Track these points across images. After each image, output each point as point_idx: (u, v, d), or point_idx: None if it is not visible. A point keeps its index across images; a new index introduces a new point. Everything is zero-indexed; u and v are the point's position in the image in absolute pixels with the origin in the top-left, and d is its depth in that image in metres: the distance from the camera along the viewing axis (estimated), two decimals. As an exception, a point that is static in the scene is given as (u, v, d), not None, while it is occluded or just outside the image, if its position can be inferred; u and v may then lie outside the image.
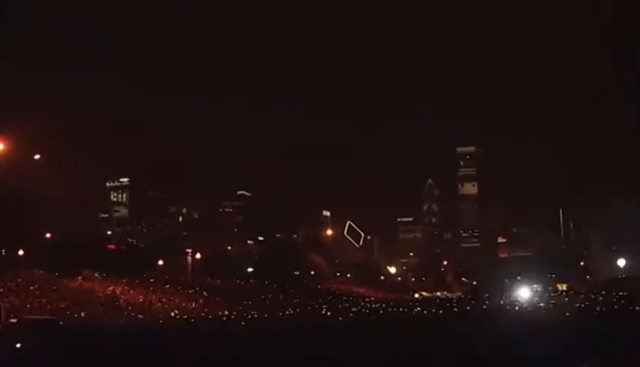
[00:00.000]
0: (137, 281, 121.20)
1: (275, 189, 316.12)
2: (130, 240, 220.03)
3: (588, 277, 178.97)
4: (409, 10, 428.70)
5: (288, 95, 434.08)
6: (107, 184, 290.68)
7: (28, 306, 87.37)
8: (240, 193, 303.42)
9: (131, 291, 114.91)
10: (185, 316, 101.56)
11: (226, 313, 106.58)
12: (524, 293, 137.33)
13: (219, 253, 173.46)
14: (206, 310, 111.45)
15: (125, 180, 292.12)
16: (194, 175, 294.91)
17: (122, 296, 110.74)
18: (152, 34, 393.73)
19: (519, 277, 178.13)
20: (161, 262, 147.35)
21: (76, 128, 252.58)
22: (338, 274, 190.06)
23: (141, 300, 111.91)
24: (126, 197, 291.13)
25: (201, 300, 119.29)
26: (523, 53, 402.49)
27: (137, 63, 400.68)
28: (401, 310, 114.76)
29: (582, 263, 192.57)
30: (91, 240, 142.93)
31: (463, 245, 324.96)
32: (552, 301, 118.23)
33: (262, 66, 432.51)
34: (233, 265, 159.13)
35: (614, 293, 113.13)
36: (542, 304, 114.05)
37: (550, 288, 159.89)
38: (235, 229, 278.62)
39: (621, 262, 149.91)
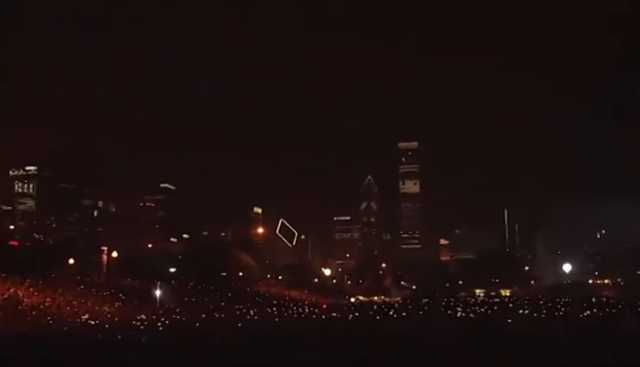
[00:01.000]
0: (42, 282, 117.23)
1: (203, 183, 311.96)
2: (37, 236, 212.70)
3: (532, 282, 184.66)
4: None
5: (218, 84, 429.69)
6: (10, 173, 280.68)
7: None
8: (162, 186, 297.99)
9: (36, 293, 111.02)
10: (98, 321, 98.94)
11: (144, 317, 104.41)
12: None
13: (138, 251, 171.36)
14: (122, 314, 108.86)
15: (32, 168, 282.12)
16: (113, 166, 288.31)
17: (26, 299, 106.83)
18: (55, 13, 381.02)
19: (461, 282, 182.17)
20: (72, 261, 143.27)
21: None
22: (269, 275, 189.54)
23: (48, 303, 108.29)
24: (33, 188, 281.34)
25: (117, 304, 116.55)
26: (471, 46, 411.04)
27: (51, 45, 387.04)
28: (335, 315, 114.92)
29: (526, 267, 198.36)
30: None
31: (403, 246, 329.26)
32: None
33: (191, 53, 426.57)
34: (153, 265, 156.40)
35: (558, 300, 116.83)
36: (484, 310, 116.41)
37: (493, 294, 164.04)
38: (157, 226, 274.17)
39: (567, 267, 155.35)
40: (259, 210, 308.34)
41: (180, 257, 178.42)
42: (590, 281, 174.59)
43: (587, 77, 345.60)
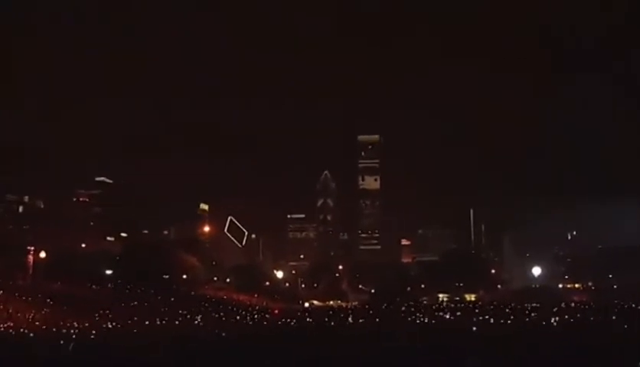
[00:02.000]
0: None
1: (143, 176, 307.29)
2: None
3: (499, 286, 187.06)
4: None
5: (167, 73, 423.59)
6: None
7: None
8: (98, 179, 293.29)
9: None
10: (21, 330, 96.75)
11: (75, 324, 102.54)
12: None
13: (69, 252, 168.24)
14: (50, 321, 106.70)
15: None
16: (42, 157, 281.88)
17: None
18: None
19: (423, 286, 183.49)
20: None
21: None
22: (216, 278, 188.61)
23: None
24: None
25: (45, 309, 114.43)
26: (439, 34, 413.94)
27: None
28: (287, 321, 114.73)
29: (493, 271, 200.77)
30: None
31: (362, 247, 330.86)
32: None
33: (136, 42, 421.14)
34: (87, 267, 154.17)
35: (526, 305, 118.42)
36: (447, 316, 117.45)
37: (458, 298, 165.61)
38: (91, 223, 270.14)
39: (536, 271, 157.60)
40: (205, 207, 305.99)
41: (117, 257, 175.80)
42: (560, 285, 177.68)
43: (558, 72, 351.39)
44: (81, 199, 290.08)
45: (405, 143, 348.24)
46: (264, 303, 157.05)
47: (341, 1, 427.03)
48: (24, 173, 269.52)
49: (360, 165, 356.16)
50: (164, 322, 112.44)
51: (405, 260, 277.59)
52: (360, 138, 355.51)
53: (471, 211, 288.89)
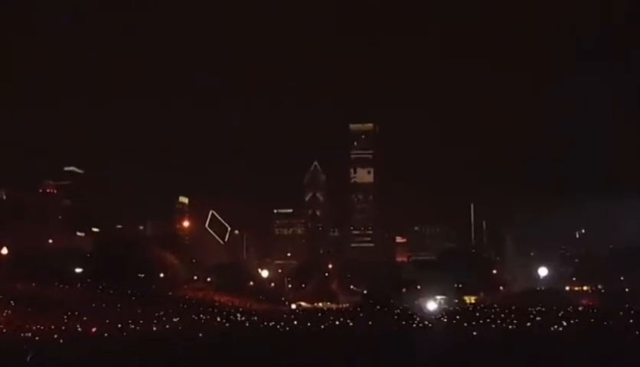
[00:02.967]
0: None
1: (117, 166, 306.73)
2: None
3: (501, 288, 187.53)
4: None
5: (146, 63, 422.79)
6: None
7: None
8: (67, 169, 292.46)
9: None
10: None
11: (42, 327, 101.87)
12: (430, 306, 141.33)
13: (35, 248, 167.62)
14: (11, 324, 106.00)
15: None
16: (4, 144, 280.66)
17: None
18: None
19: (419, 287, 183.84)
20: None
21: None
22: (196, 277, 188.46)
23: None
24: None
25: (5, 311, 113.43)
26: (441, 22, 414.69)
27: None
28: (272, 324, 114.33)
29: (494, 271, 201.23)
30: None
31: (353, 244, 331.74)
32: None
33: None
34: (54, 264, 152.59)
35: (530, 309, 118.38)
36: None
37: (457, 301, 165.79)
38: (59, 217, 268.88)
39: (542, 271, 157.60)
40: (185, 200, 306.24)
41: (88, 254, 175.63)
42: (567, 288, 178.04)
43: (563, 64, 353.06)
44: (48, 190, 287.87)
45: (401, 132, 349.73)
46: (247, 305, 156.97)
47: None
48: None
49: (353, 156, 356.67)
50: (138, 325, 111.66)
51: (400, 259, 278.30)
52: (353, 126, 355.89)
53: (472, 206, 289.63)
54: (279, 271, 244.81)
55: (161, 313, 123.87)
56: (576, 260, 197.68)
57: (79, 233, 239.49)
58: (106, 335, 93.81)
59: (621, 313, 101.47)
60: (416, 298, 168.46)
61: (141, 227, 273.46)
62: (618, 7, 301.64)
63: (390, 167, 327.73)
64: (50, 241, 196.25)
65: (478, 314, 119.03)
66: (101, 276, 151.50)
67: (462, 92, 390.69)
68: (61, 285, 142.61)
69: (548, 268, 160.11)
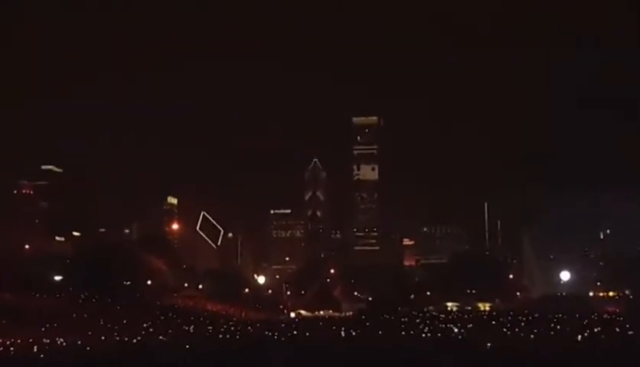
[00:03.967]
0: None
1: (100, 164, 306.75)
2: None
3: (518, 293, 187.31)
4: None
5: (135, 55, 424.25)
6: None
7: None
8: (45, 168, 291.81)
9: None
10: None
11: (19, 341, 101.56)
12: None
13: (10, 254, 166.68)
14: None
15: None
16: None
17: None
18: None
19: (429, 293, 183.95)
20: None
21: None
22: (187, 284, 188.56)
23: None
24: None
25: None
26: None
27: None
28: (268, 333, 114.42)
29: (511, 275, 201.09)
30: None
31: (357, 247, 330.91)
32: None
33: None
34: (31, 272, 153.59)
35: (550, 316, 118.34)
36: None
37: (469, 308, 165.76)
38: (37, 220, 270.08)
39: (564, 275, 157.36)
40: (174, 201, 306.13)
41: (68, 261, 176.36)
42: (591, 293, 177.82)
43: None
44: (24, 191, 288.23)
45: (407, 126, 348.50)
46: (243, 314, 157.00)
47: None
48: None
49: (356, 152, 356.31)
50: (124, 337, 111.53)
51: (407, 263, 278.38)
52: (356, 119, 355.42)
53: (486, 205, 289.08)
54: (277, 276, 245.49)
55: (149, 323, 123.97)
56: (601, 263, 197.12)
57: (58, 238, 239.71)
58: (88, 348, 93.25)
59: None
60: (426, 305, 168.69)
61: (126, 230, 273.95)
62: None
63: (396, 164, 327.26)
64: (27, 246, 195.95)
65: (492, 323, 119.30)
66: (83, 284, 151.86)
67: (474, 81, 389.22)
68: (39, 295, 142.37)
69: (570, 272, 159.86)
